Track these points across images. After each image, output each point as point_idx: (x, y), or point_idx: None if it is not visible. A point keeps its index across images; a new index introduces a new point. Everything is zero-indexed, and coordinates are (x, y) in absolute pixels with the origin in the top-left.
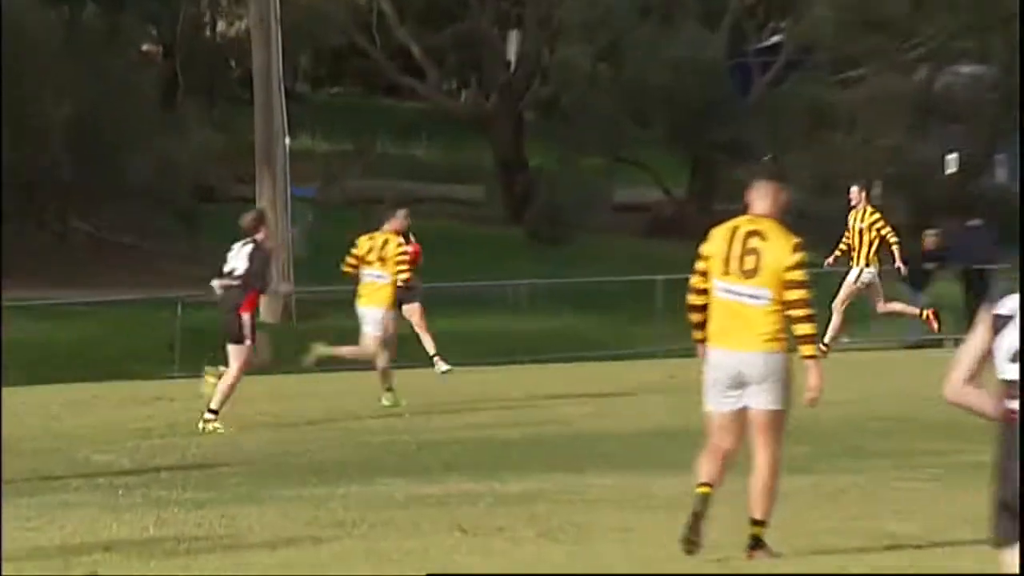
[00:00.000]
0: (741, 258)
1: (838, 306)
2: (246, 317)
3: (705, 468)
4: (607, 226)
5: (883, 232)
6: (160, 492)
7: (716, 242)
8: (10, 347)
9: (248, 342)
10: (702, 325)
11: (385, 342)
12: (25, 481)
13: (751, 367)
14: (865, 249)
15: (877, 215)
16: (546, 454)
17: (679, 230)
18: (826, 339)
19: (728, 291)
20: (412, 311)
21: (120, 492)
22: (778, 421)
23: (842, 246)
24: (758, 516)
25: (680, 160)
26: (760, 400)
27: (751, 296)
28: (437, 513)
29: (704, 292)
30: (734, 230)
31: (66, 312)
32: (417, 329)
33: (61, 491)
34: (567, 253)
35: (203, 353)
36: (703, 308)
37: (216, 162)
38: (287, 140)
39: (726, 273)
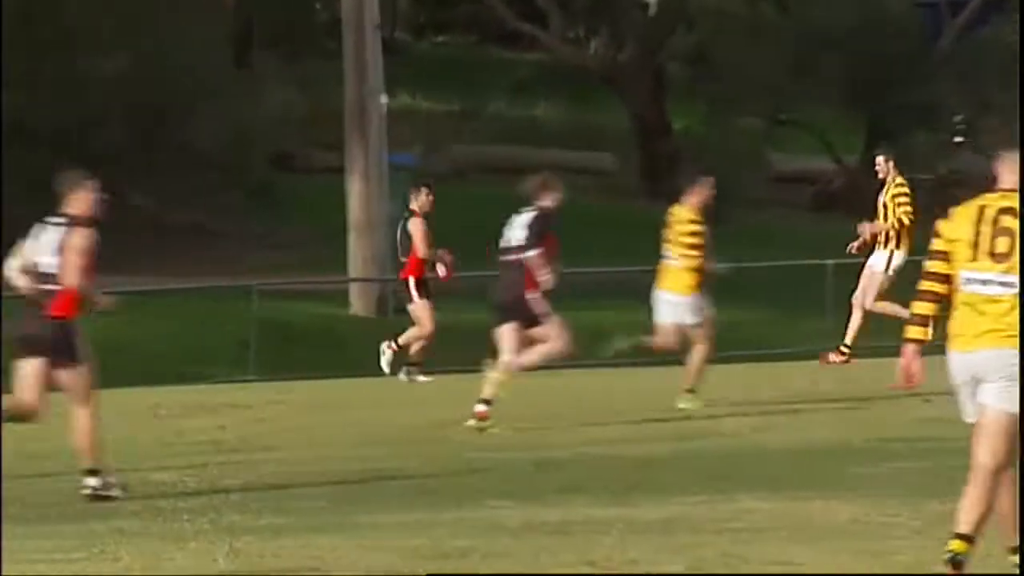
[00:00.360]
0: (992, 240)
1: (868, 303)
2: (535, 296)
3: (967, 506)
4: (765, 200)
5: (899, 212)
6: (232, 517)
7: (962, 224)
8: None
9: (543, 322)
10: (927, 321)
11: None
12: (70, 504)
13: (985, 365)
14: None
15: (901, 189)
16: (690, 474)
17: (850, 205)
18: (847, 339)
19: (975, 280)
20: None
21: (185, 517)
22: (1015, 426)
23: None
24: (1014, 543)
25: (853, 122)
26: (995, 400)
27: (1001, 284)
28: (558, 543)
29: (947, 280)
30: (982, 209)
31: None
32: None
33: (114, 516)
34: (717, 233)
35: (282, 351)
36: (939, 298)
37: (297, 126)
38: (383, 99)
39: (974, 259)
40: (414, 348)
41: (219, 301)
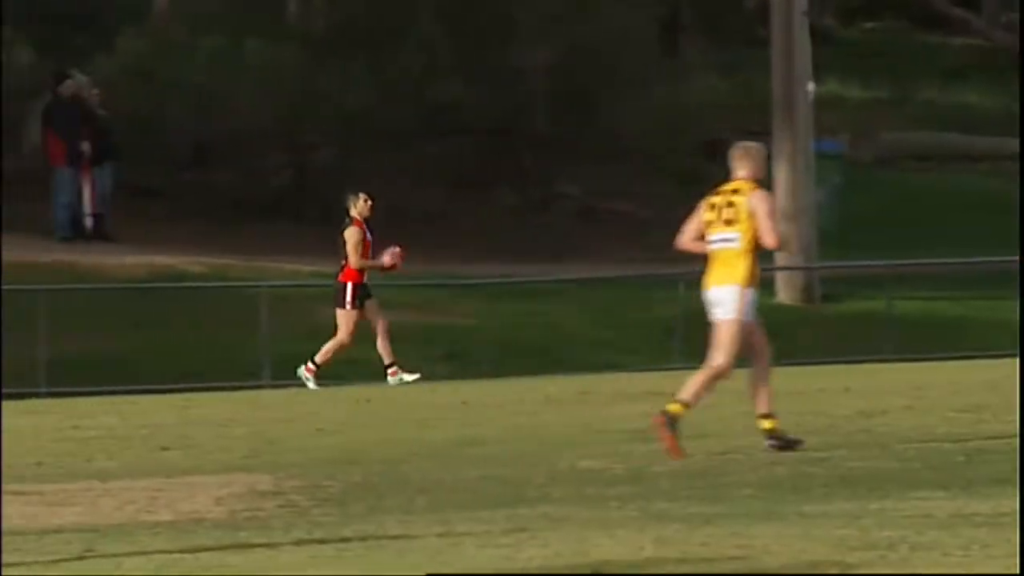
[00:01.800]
0: None
1: None
2: None
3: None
4: None
5: None
6: (660, 505)
7: None
8: (473, 333)
9: None
10: None
11: None
12: (499, 489)
13: None
14: None
15: None
16: None
17: None
18: None
19: None
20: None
21: (613, 505)
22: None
23: None
24: None
25: None
26: None
27: None
28: (989, 535)
29: None
30: None
31: (543, 291)
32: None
33: (542, 502)
34: None
35: (706, 339)
36: None
37: (724, 114)
38: (811, 86)
39: None
40: (326, 356)
41: (645, 289)
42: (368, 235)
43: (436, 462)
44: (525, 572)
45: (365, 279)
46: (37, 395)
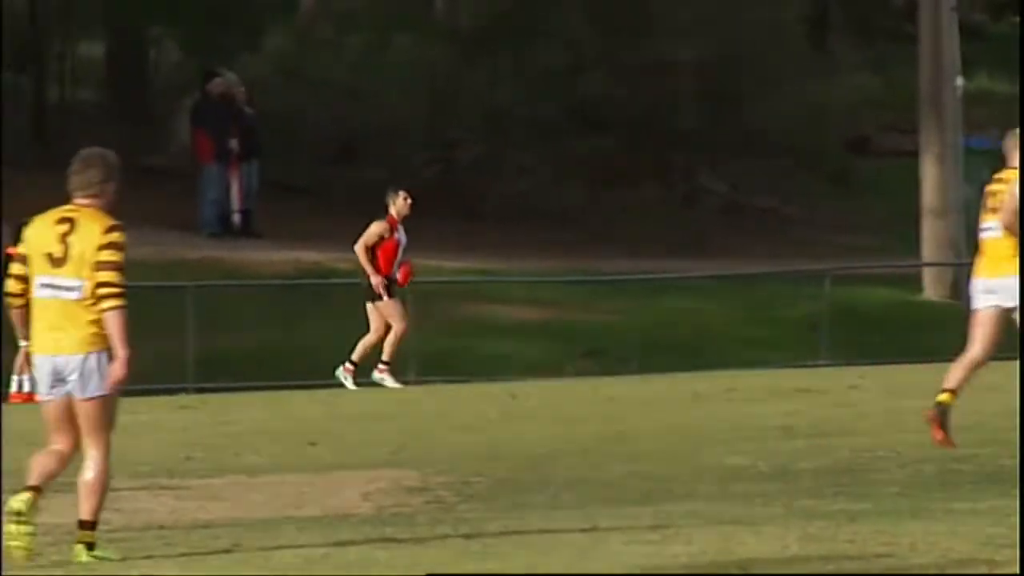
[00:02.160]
0: None
1: None
2: None
3: None
4: None
5: None
6: (805, 502)
7: None
8: (616, 329)
9: None
10: None
11: None
12: (644, 486)
13: None
14: None
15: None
16: None
17: None
18: None
19: None
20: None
21: (758, 502)
22: None
23: None
24: None
25: None
26: None
27: None
28: None
29: None
30: None
31: (688, 287)
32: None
33: (687, 499)
34: None
35: (852, 335)
36: None
37: (872, 110)
38: (960, 82)
39: None
40: (391, 350)
41: (791, 285)
42: (397, 234)
43: (581, 458)
44: (674, 565)
45: (392, 272)
46: (185, 391)
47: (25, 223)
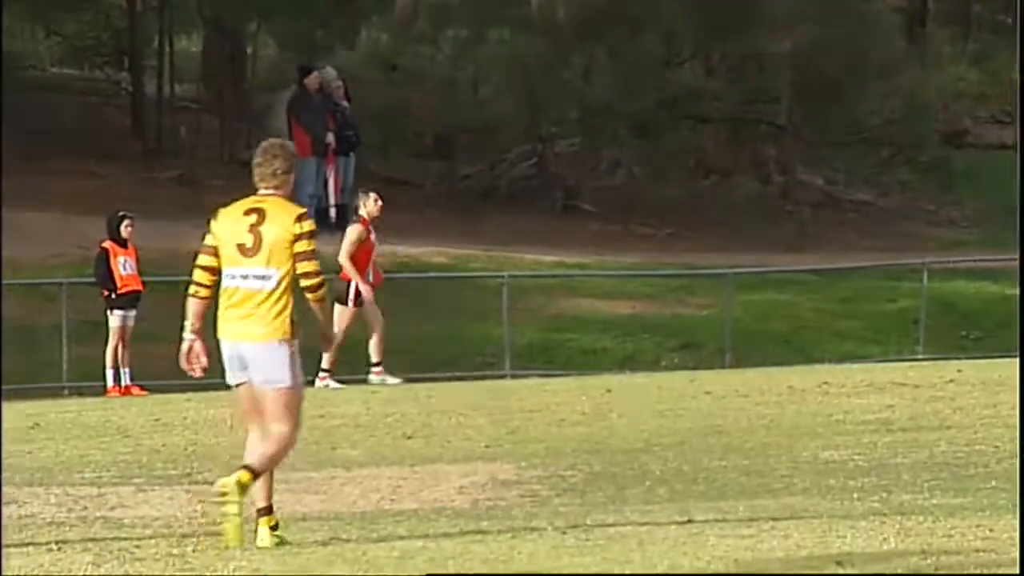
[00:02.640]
0: None
1: None
2: None
3: None
4: None
5: None
6: (902, 497)
7: None
8: (711, 323)
9: None
10: None
11: None
12: (740, 480)
13: None
14: None
15: None
16: None
17: None
18: None
19: None
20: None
21: (855, 496)
22: None
23: None
24: None
25: None
26: None
27: None
28: None
29: None
30: None
31: (783, 281)
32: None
33: (783, 493)
34: None
35: (951, 329)
36: None
37: (969, 102)
38: None
39: None
40: (375, 348)
41: (887, 279)
42: (372, 235)
43: (676, 452)
44: (771, 560)
45: (369, 278)
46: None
47: (122, 216)
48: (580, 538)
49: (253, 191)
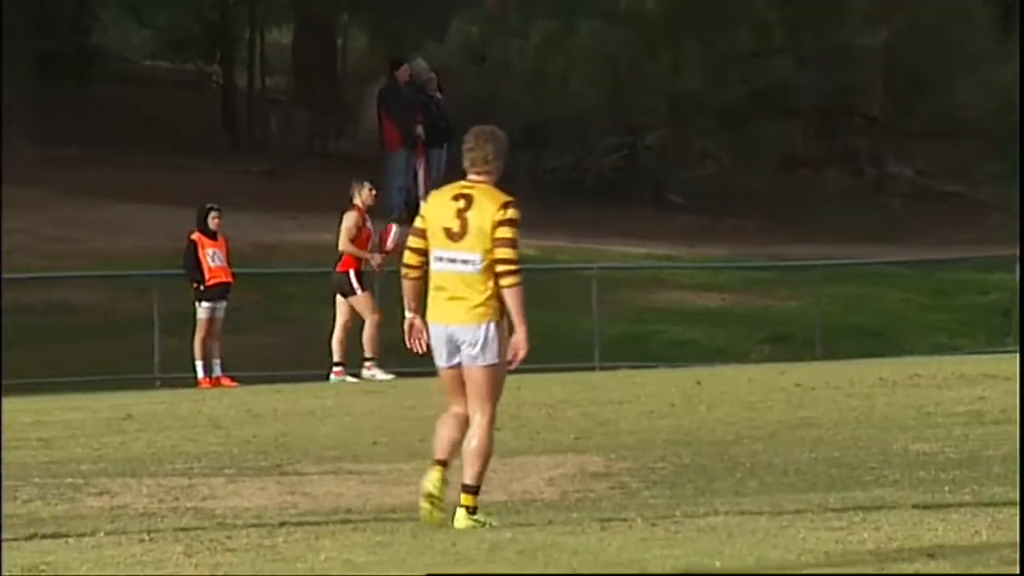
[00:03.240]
0: None
1: None
2: None
3: None
4: None
5: None
6: (994, 489)
7: None
8: (799, 315)
9: None
10: None
11: None
12: (830, 472)
13: None
14: None
15: None
16: None
17: None
18: None
19: None
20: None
21: (946, 489)
22: None
23: None
24: None
25: None
26: None
27: None
28: None
29: None
30: None
31: (874, 273)
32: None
33: (874, 486)
34: None
35: None
36: None
37: None
38: None
39: None
40: (368, 344)
41: (980, 271)
42: (368, 224)
43: (766, 444)
44: (862, 552)
45: (363, 267)
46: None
47: (209, 208)
48: (670, 530)
49: (343, 184)
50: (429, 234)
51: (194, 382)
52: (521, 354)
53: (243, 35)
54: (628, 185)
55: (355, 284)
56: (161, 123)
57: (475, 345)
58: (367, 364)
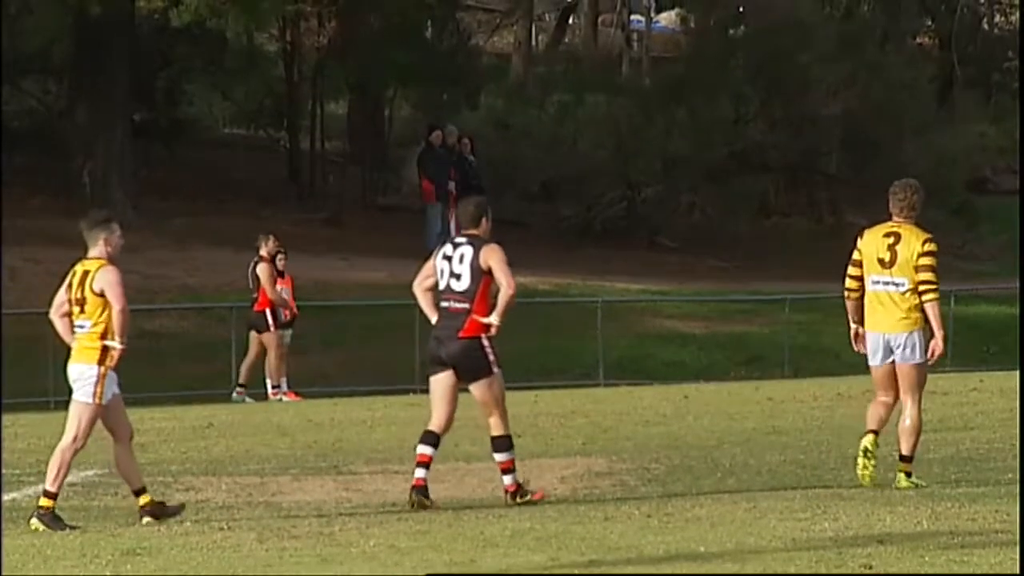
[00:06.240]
0: None
1: None
2: None
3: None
4: None
5: None
6: (934, 486)
7: None
8: (773, 340)
9: None
10: None
11: None
12: (797, 472)
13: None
14: None
15: None
16: None
17: None
18: None
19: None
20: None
21: (893, 486)
22: None
23: None
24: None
25: None
26: None
27: None
28: None
29: None
30: None
31: (832, 304)
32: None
33: (833, 483)
34: None
35: (975, 346)
36: None
37: (990, 154)
38: None
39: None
40: (272, 372)
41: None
42: (275, 271)
43: (743, 448)
44: (823, 539)
45: (276, 306)
46: (414, 391)
47: (276, 250)
48: (662, 521)
49: (391, 231)
50: (864, 263)
51: (265, 396)
52: (938, 352)
53: (306, 106)
54: (628, 231)
55: (270, 322)
56: (238, 180)
57: (904, 348)
58: (273, 391)
